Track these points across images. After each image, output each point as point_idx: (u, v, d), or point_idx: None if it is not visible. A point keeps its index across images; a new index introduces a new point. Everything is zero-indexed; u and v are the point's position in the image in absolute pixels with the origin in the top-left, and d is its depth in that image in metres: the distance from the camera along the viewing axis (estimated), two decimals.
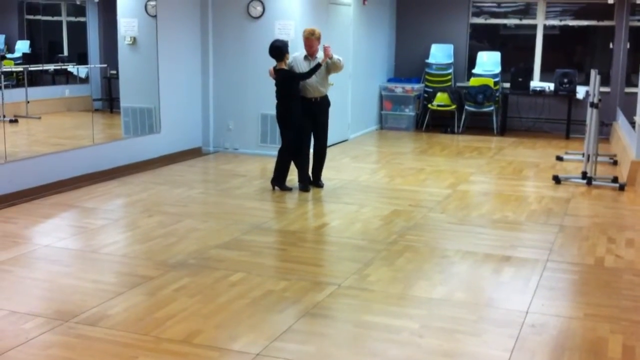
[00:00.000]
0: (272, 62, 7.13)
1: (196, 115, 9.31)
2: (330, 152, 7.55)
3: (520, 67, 11.76)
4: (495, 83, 11.53)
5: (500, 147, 10.34)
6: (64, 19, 8.49)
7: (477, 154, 9.70)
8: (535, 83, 11.67)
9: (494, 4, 12.17)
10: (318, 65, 6.94)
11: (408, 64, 12.27)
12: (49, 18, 8.52)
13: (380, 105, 11.92)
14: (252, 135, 9.27)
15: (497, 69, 11.71)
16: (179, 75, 8.91)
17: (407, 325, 3.92)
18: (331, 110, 7.35)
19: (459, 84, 11.98)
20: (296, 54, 7.24)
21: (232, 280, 4.59)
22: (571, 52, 12.43)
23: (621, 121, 10.01)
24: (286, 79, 7.00)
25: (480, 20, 12.19)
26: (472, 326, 3.94)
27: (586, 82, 10.53)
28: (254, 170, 8.24)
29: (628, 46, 10.82)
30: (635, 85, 9.32)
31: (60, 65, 8.33)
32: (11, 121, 7.41)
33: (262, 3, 8.94)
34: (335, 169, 8.23)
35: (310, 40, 7.02)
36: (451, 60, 11.92)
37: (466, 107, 11.57)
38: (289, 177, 7.31)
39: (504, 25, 12.36)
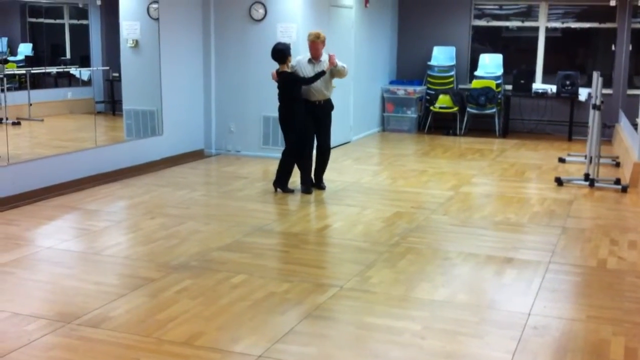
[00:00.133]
0: (274, 65, 7.13)
1: (198, 118, 9.32)
2: (332, 154, 7.55)
3: (523, 69, 11.76)
4: (498, 85, 11.53)
5: (503, 149, 10.34)
6: (67, 21, 8.51)
7: (479, 156, 9.70)
8: (538, 85, 11.66)
9: (496, 6, 12.17)
10: (322, 73, 6.96)
11: (410, 66, 12.27)
12: (52, 21, 8.54)
13: (383, 107, 11.92)
14: (254, 137, 9.27)
15: (499, 71, 11.71)
16: (181, 78, 8.92)
17: (409, 327, 3.92)
18: (333, 112, 7.35)
19: (461, 86, 11.97)
20: (300, 57, 7.24)
21: (234, 282, 4.59)
22: (573, 54, 12.43)
23: (623, 123, 10.00)
24: (288, 82, 7.01)
25: (482, 23, 12.19)
26: (474, 328, 3.94)
27: (588, 84, 10.53)
28: (256, 173, 8.24)
29: (630, 48, 10.81)
30: (638, 87, 9.33)
31: (63, 68, 8.35)
32: (14, 123, 7.43)
33: (264, 6, 8.95)
34: (338, 171, 8.23)
35: (316, 43, 7.03)
36: (453, 63, 11.92)
37: (468, 109, 11.56)
38: (291, 179, 7.31)
39: (506, 28, 12.36)
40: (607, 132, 10.64)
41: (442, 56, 12.01)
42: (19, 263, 4.96)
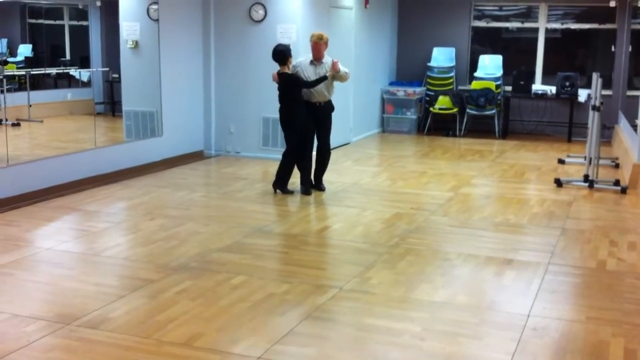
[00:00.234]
0: (274, 66, 7.14)
1: (198, 119, 9.32)
2: (332, 155, 7.55)
3: (522, 70, 11.77)
4: (497, 86, 11.53)
5: (502, 150, 10.34)
6: (66, 22, 8.51)
7: (479, 157, 9.70)
8: (537, 86, 11.67)
9: (496, 7, 12.17)
10: (324, 78, 6.97)
11: (410, 67, 12.28)
12: (52, 22, 8.54)
13: (382, 108, 11.92)
14: (253, 138, 9.27)
15: (499, 72, 11.71)
16: (181, 79, 8.92)
17: (408, 328, 3.92)
18: (333, 113, 7.35)
19: (460, 87, 11.97)
20: (301, 58, 7.24)
21: (234, 284, 4.59)
22: (573, 55, 12.43)
23: (623, 124, 10.01)
24: (289, 83, 7.01)
25: (482, 24, 12.20)
26: (473, 329, 3.94)
27: (588, 85, 10.54)
28: (255, 174, 8.24)
29: (630, 49, 10.81)
30: (637, 88, 9.34)
31: (63, 69, 8.35)
32: (13, 125, 7.43)
33: (264, 7, 8.95)
34: (337, 172, 8.23)
35: (318, 44, 7.03)
36: (453, 64, 11.92)
37: (468, 110, 11.57)
38: (290, 180, 7.31)
39: (506, 29, 12.37)
40: (607, 133, 10.64)
41: (441, 57, 12.02)
42: (19, 264, 4.95)
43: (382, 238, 5.69)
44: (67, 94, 8.49)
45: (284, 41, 8.18)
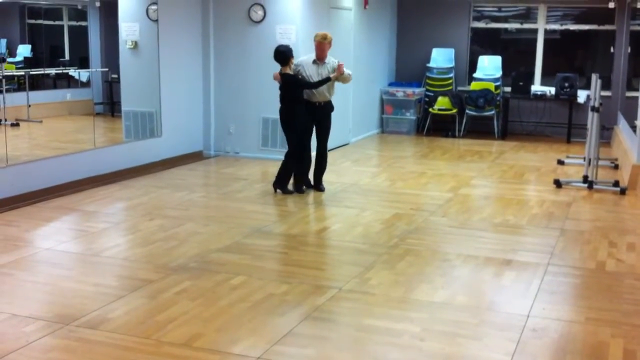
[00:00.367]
0: (274, 67, 7.14)
1: (197, 119, 9.32)
2: (331, 156, 7.56)
3: (521, 71, 11.77)
4: (496, 87, 11.53)
5: (501, 151, 10.34)
6: (66, 23, 8.51)
7: (478, 157, 9.70)
8: (536, 87, 11.67)
9: (495, 9, 12.18)
10: (328, 79, 6.98)
11: (409, 68, 12.28)
12: (51, 22, 8.54)
13: (382, 109, 11.92)
14: (253, 138, 9.27)
15: (498, 73, 11.71)
16: (180, 79, 8.92)
17: (408, 329, 3.92)
18: (333, 114, 7.36)
19: (460, 88, 11.98)
20: (303, 58, 7.24)
21: (233, 284, 4.59)
22: (572, 57, 12.43)
23: (622, 125, 10.01)
24: (291, 84, 7.01)
25: (481, 25, 12.20)
26: (473, 330, 3.94)
27: (587, 86, 10.53)
28: (255, 174, 8.24)
29: (629, 50, 10.82)
30: (636, 90, 9.34)
31: (62, 69, 8.34)
32: (12, 125, 7.43)
33: (264, 7, 8.95)
34: (336, 173, 8.23)
35: (322, 44, 7.04)
36: (452, 65, 11.92)
37: (467, 111, 11.57)
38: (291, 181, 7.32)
39: (505, 30, 12.37)
40: (606, 134, 10.65)
41: (441, 58, 12.02)
42: (18, 264, 4.95)
43: (381, 239, 5.69)
44: (67, 95, 8.48)
45: (284, 42, 8.17)
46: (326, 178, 7.52)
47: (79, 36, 8.51)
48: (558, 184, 7.81)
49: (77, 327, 3.88)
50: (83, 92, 8.46)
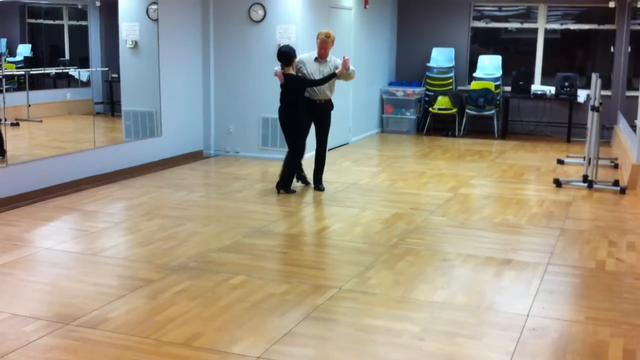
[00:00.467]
0: (273, 66, 7.13)
1: (197, 119, 9.32)
2: (331, 156, 7.56)
3: (522, 70, 11.77)
4: (496, 87, 11.54)
5: (501, 150, 10.35)
6: (66, 22, 8.51)
7: (478, 157, 9.70)
8: (536, 87, 11.67)
9: (495, 8, 12.18)
10: (333, 75, 6.99)
11: (409, 67, 12.29)
12: (51, 22, 8.54)
13: (382, 108, 11.92)
14: (253, 138, 9.27)
15: (498, 73, 11.72)
16: (180, 79, 8.92)
17: (408, 329, 3.92)
18: (332, 113, 7.36)
19: (460, 88, 11.98)
20: (304, 55, 7.24)
21: (233, 284, 4.59)
22: (572, 56, 12.43)
23: (622, 124, 10.01)
24: (296, 84, 6.99)
25: (481, 24, 12.20)
26: (473, 329, 3.94)
27: (587, 86, 10.54)
28: (254, 174, 8.24)
29: (629, 50, 10.82)
30: (636, 89, 9.33)
31: (62, 69, 8.34)
32: (13, 124, 7.43)
33: (264, 7, 8.95)
34: (336, 173, 8.24)
35: (325, 42, 7.04)
36: (452, 64, 11.93)
37: (467, 110, 11.57)
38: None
39: (505, 29, 12.37)
40: (606, 133, 10.65)
41: (441, 57, 12.02)
42: (18, 264, 4.95)
43: (381, 238, 5.70)
44: (67, 94, 8.48)
45: (284, 41, 8.18)
46: (326, 178, 7.52)
47: (79, 36, 8.51)
48: (558, 183, 7.81)
49: (77, 327, 3.88)
50: (83, 92, 8.46)
